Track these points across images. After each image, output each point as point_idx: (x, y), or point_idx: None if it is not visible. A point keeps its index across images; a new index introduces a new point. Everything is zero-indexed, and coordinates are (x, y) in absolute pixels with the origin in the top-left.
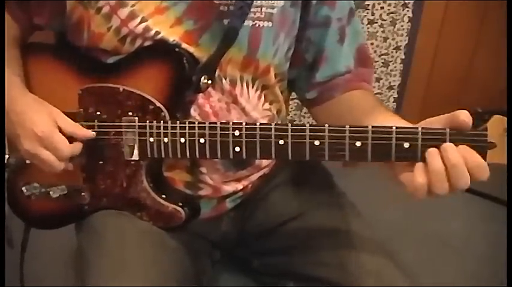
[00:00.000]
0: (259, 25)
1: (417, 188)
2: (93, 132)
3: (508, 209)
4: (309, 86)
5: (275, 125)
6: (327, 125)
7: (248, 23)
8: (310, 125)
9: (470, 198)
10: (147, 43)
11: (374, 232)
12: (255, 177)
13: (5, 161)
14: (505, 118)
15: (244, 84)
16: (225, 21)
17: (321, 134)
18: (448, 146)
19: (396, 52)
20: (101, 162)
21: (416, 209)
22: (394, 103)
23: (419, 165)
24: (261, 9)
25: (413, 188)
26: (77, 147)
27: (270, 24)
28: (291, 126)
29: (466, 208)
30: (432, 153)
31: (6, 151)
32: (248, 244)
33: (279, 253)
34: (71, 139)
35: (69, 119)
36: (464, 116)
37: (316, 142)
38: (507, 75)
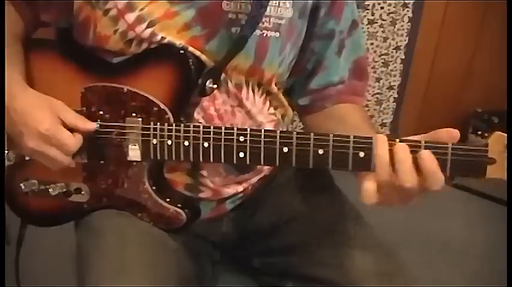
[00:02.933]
0: (266, 35)
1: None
2: (96, 125)
3: (508, 209)
4: (302, 92)
5: (280, 132)
6: (331, 134)
7: (256, 32)
8: (314, 134)
9: (470, 198)
10: (153, 46)
11: (374, 232)
12: (255, 179)
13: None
14: (505, 135)
15: (250, 89)
16: (233, 29)
17: (325, 143)
18: (399, 145)
19: (396, 52)
20: (102, 161)
21: (416, 209)
22: (394, 103)
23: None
24: (270, 20)
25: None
26: (82, 139)
27: (278, 34)
28: (296, 134)
29: (466, 208)
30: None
31: (7, 147)
32: (248, 244)
33: (279, 253)
34: (75, 131)
35: (72, 111)
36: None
37: (320, 151)
38: (507, 75)
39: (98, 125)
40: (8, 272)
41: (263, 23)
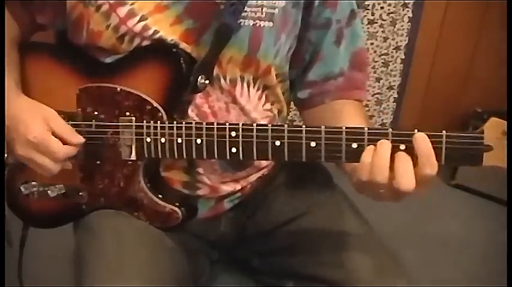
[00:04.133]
0: (260, 25)
1: (360, 168)
2: (83, 139)
3: (508, 209)
4: (301, 84)
5: (272, 126)
6: (323, 127)
7: (249, 22)
8: (306, 127)
9: (469, 198)
10: (145, 42)
11: (374, 231)
12: (253, 178)
13: (4, 160)
14: (502, 121)
15: (245, 84)
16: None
17: (318, 135)
18: (380, 143)
19: (396, 52)
20: (98, 162)
21: (416, 209)
22: (394, 103)
23: (370, 147)
24: (262, 9)
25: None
26: (72, 149)
27: (271, 24)
28: (288, 127)
29: (466, 207)
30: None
31: (6, 150)
32: (247, 244)
33: (279, 253)
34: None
35: (63, 122)
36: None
37: (313, 143)
38: (507, 75)
39: (92, 130)
40: (7, 272)
41: (256, 13)
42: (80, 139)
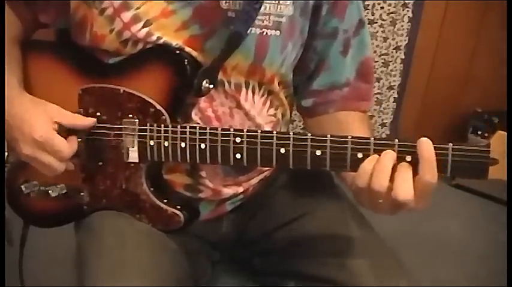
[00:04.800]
0: (266, 33)
1: (359, 175)
2: (94, 119)
3: (508, 209)
4: (305, 93)
5: (276, 133)
6: (329, 135)
7: (256, 30)
8: (311, 135)
9: (470, 198)
10: (149, 46)
11: (375, 231)
12: (255, 180)
13: (5, 159)
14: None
15: (250, 90)
16: (232, 28)
17: (323, 144)
18: (385, 153)
19: (396, 52)
20: (100, 163)
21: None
22: (394, 103)
23: (374, 156)
24: (269, 18)
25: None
26: (76, 146)
27: (278, 33)
28: (293, 135)
29: (466, 208)
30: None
31: (6, 149)
32: (249, 245)
33: (280, 253)
34: (70, 135)
35: (67, 112)
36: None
37: (318, 152)
38: (507, 75)
39: (95, 131)
40: (7, 272)
41: (263, 22)
42: (91, 120)
